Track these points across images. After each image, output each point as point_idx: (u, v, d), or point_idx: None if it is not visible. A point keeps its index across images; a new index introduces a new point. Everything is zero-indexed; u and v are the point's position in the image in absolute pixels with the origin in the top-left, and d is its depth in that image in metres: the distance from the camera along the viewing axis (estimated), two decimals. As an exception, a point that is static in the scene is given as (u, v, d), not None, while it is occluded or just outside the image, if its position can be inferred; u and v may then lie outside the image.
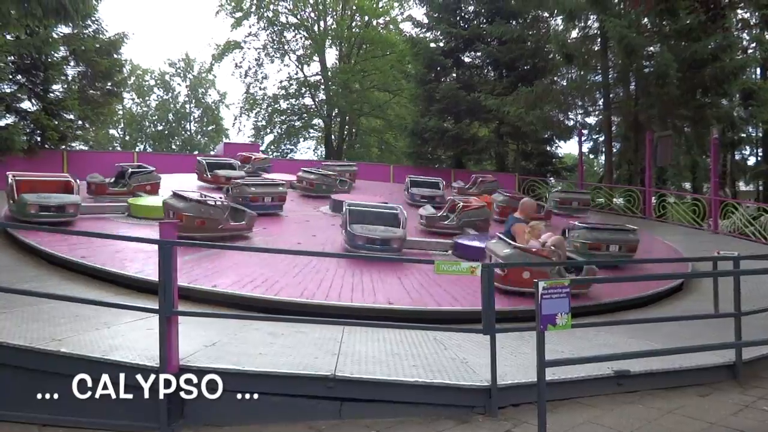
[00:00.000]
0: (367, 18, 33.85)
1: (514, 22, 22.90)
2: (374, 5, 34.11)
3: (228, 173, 14.25)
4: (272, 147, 37.09)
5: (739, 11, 19.93)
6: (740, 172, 24.36)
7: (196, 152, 42.01)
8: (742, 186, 26.59)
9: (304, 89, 35.82)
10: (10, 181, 9.79)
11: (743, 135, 22.90)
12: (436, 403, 4.23)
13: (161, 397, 3.96)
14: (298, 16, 34.16)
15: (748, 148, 25.04)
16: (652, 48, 17.91)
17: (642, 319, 6.43)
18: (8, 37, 13.43)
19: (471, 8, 24.72)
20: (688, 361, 4.91)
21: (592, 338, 5.80)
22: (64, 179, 10.55)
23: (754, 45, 21.32)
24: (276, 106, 36.30)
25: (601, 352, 5.10)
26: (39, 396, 4.24)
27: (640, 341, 5.66)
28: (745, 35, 21.07)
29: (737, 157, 24.65)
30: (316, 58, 34.88)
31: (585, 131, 21.66)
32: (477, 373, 4.46)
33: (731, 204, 16.02)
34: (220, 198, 10.06)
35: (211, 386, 4.13)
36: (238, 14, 33.40)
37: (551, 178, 23.55)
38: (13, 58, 15.16)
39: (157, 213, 9.89)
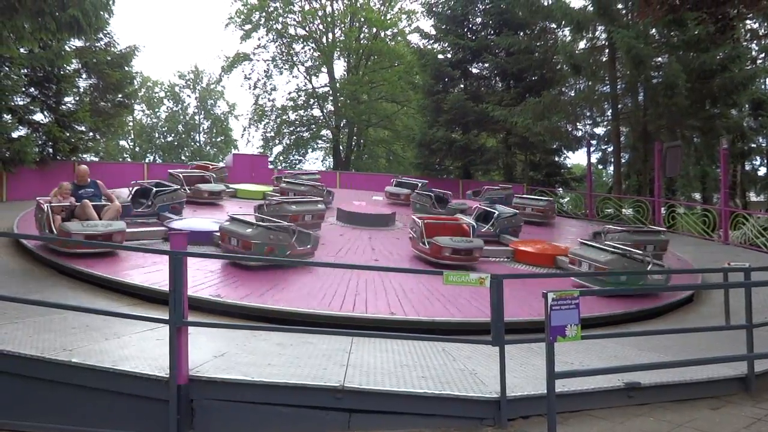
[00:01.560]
0: (375, 30, 34.09)
1: (521, 34, 22.99)
2: (382, 17, 34.36)
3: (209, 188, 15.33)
4: (281, 158, 37.32)
5: (747, 22, 19.89)
6: (750, 183, 24.20)
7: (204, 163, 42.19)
8: (752, 196, 26.39)
9: (312, 100, 36.05)
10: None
11: (753, 145, 22.78)
12: (445, 415, 4.21)
13: (171, 407, 3.98)
14: (307, 29, 34.46)
15: (758, 158, 24.87)
16: (660, 58, 17.91)
17: (652, 331, 6.38)
18: (22, 50, 13.61)
19: (478, 20, 24.85)
20: (700, 373, 4.86)
21: (602, 350, 5.76)
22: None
23: (763, 55, 21.28)
24: (285, 117, 36.54)
25: (612, 364, 5.07)
26: (49, 405, 4.28)
27: (650, 353, 5.62)
28: (754, 45, 21.03)
29: (747, 167, 24.50)
30: (324, 69, 35.14)
31: (593, 142, 21.63)
32: (486, 384, 4.44)
33: (742, 215, 15.90)
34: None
35: (221, 397, 4.15)
36: (248, 26, 33.73)
37: (560, 189, 23.50)
38: (26, 71, 15.36)
39: (257, 196, 13.97)
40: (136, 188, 11.36)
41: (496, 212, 11.96)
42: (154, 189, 11.04)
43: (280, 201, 10.97)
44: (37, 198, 8.71)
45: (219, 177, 15.86)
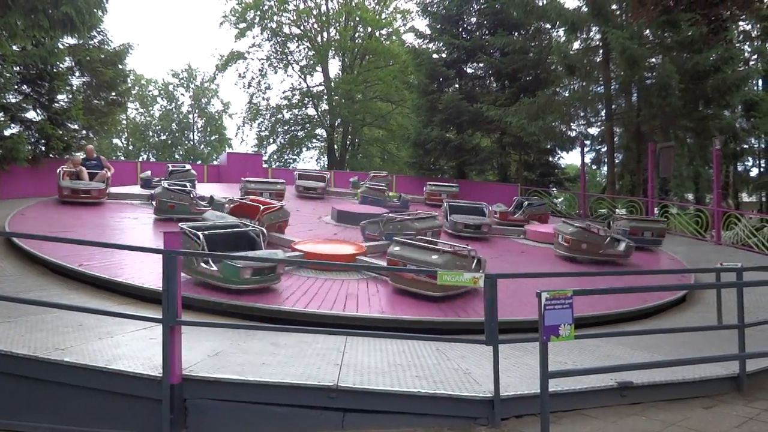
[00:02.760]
0: (369, 29, 34.06)
1: (516, 34, 23.01)
2: (377, 17, 34.34)
3: (306, 183, 16.39)
4: (275, 157, 37.24)
5: (740, 23, 20.01)
6: (743, 183, 24.40)
7: (199, 161, 42.11)
8: (744, 197, 26.61)
9: (307, 99, 36.00)
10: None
11: (745, 146, 22.97)
12: (439, 414, 4.22)
13: (164, 407, 3.97)
14: (302, 27, 34.40)
15: (750, 159, 25.07)
16: (654, 59, 17.99)
17: (645, 331, 6.41)
18: (14, 47, 13.51)
19: (473, 20, 24.85)
20: (692, 372, 4.90)
21: (595, 349, 5.79)
22: None
23: (755, 57, 21.41)
24: (279, 116, 36.47)
25: (604, 364, 5.09)
26: (42, 405, 4.26)
27: (643, 353, 5.65)
28: (746, 47, 21.17)
29: (740, 168, 24.70)
30: (318, 68, 35.10)
31: (587, 142, 21.70)
32: (480, 383, 4.45)
33: (734, 215, 16.00)
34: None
35: (214, 396, 4.14)
36: (242, 25, 33.64)
37: (553, 189, 23.57)
38: (18, 68, 15.23)
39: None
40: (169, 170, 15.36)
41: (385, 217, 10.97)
42: (170, 168, 15.25)
43: (246, 180, 13.94)
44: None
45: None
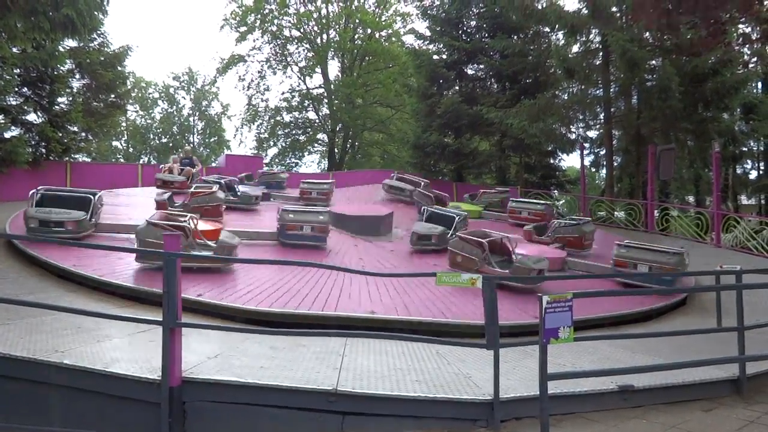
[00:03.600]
0: (369, 31, 34.09)
1: (515, 37, 23.05)
2: (377, 19, 34.36)
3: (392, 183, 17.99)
4: (276, 160, 37.26)
5: (740, 26, 20.03)
6: (742, 186, 24.42)
7: (198, 164, 42.01)
8: (744, 200, 26.63)
9: (306, 102, 35.99)
10: None
11: (744, 149, 22.98)
12: (439, 417, 4.21)
13: (162, 410, 3.96)
14: (302, 30, 34.41)
15: (749, 162, 25.10)
16: (653, 62, 18.01)
17: (645, 333, 6.41)
18: (15, 50, 13.53)
19: (473, 23, 24.93)
20: (692, 375, 4.88)
21: (595, 352, 5.78)
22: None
23: (755, 60, 21.43)
24: (279, 118, 36.46)
25: (604, 366, 5.08)
26: (41, 408, 4.25)
27: (643, 355, 5.64)
28: (746, 50, 21.18)
29: (739, 171, 24.71)
30: (318, 69, 35.07)
31: (586, 145, 21.72)
32: (479, 387, 4.44)
33: (733, 218, 16.00)
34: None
35: (213, 399, 4.13)
36: (243, 29, 33.66)
37: (554, 191, 23.58)
38: (19, 71, 15.25)
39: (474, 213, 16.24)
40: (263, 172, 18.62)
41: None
42: (260, 171, 18.66)
43: (302, 181, 16.89)
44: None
45: (489, 201, 17.91)
